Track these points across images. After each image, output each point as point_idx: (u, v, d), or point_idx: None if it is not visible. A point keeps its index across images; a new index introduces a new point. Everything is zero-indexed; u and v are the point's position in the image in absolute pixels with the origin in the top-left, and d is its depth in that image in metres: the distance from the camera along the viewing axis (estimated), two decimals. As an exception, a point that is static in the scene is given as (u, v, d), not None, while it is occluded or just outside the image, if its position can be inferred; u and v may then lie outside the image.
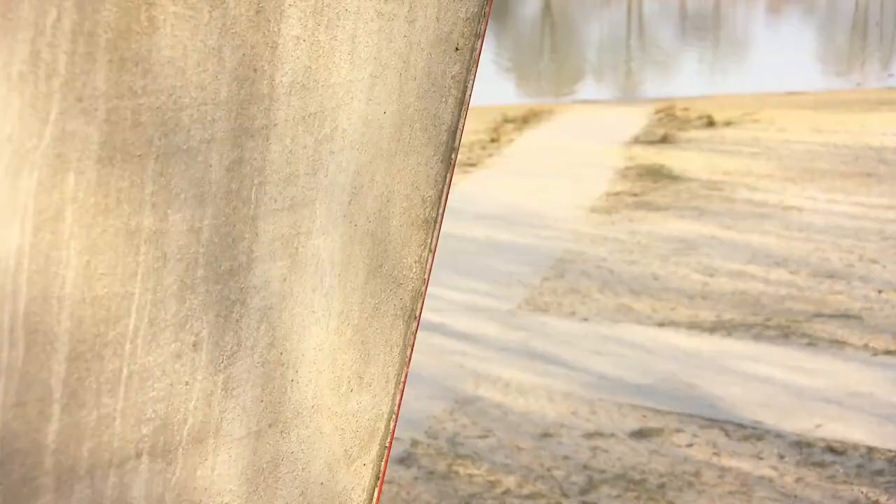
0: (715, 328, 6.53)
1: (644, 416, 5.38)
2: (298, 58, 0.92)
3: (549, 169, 11.87)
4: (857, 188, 10.12)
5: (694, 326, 6.59)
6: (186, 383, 0.94)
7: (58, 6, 0.80)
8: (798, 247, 8.21)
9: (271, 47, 0.89)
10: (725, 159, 12.03)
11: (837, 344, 6.21)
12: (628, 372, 5.88)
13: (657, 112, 15.83)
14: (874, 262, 7.76)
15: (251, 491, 1.03)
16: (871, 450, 4.99)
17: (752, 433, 5.23)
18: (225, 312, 0.95)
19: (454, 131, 1.06)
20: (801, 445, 5.07)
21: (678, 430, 5.23)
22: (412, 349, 1.10)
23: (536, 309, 7.05)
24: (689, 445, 5.09)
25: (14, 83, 0.79)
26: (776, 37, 33.70)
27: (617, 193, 10.47)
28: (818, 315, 6.70)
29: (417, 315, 1.10)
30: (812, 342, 6.20)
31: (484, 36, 1.06)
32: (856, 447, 5.02)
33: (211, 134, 0.90)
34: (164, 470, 0.94)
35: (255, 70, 0.89)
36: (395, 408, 1.13)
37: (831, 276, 7.44)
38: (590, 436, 5.20)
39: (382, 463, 1.20)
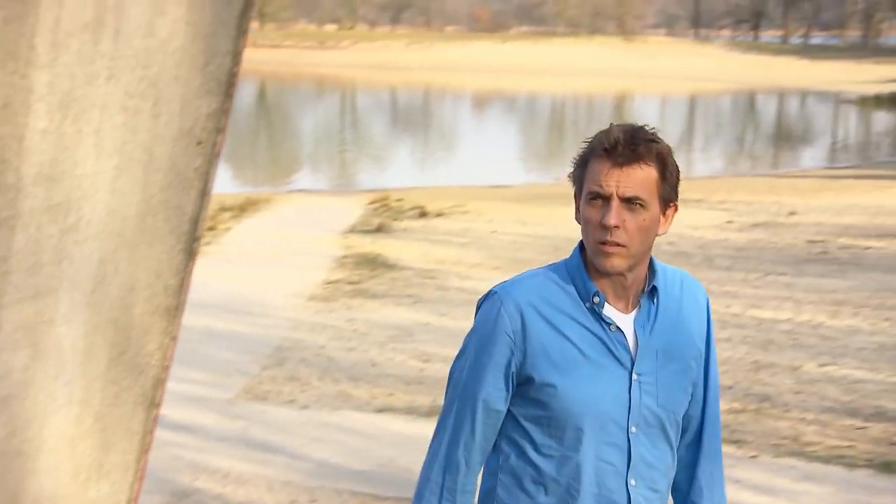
0: (431, 412, 6.69)
1: (364, 503, 5.43)
2: (45, 150, 0.93)
3: (267, 258, 11.86)
4: (559, 277, 10.70)
5: (411, 411, 6.73)
6: (-80, 476, 0.91)
7: None
8: (507, 332, 8.57)
9: (18, 139, 0.90)
10: (438, 248, 12.43)
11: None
12: (348, 458, 5.92)
13: (372, 202, 16.18)
14: (576, 346, 8.21)
15: (-16, 586, 1.00)
16: None
17: None
18: (-39, 403, 0.93)
19: (196, 221, 1.09)
20: None
21: None
22: (152, 436, 1.11)
23: (256, 398, 6.99)
24: (408, 528, 5.17)
25: None
26: (482, 132, 35.29)
27: (335, 282, 10.59)
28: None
29: (158, 402, 1.11)
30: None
31: (225, 130, 1.11)
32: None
33: (-50, 222, 0.89)
34: None
35: (1, 161, 0.90)
36: (135, 496, 1.13)
37: (538, 360, 7.81)
38: None
39: (117, 553, 1.19)
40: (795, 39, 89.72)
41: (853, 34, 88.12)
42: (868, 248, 12.46)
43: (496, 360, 2.20)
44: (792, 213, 14.82)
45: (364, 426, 6.42)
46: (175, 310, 1.09)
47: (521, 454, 2.23)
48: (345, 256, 11.91)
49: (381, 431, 6.33)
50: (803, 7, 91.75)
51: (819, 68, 58.01)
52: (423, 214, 14.94)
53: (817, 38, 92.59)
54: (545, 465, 2.21)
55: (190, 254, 1.09)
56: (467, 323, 9.10)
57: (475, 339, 2.24)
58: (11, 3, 0.93)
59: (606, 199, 2.13)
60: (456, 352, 8.06)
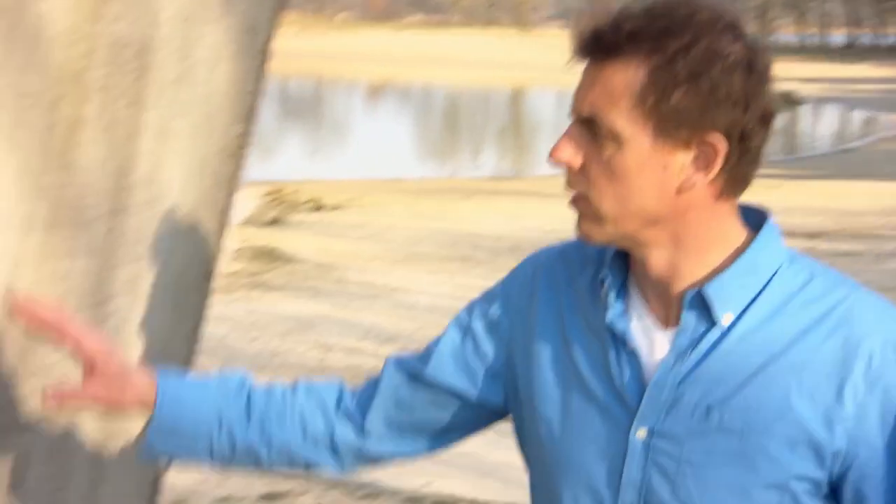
0: (334, 399, 7.18)
1: (271, 481, 5.91)
2: (143, 164, 1.45)
3: (161, 249, 12.13)
4: (457, 270, 11.25)
5: (315, 398, 7.21)
6: None
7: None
8: (406, 325, 9.08)
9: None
10: (335, 242, 12.87)
11: (443, 411, 7.06)
12: (255, 441, 6.38)
13: (267, 195, 16.49)
14: (472, 337, 8.76)
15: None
16: (473, 501, 5.81)
17: (371, 492, 5.89)
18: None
19: (225, 212, 1.62)
20: (414, 501, 5.80)
21: (304, 493, 5.80)
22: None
23: (160, 385, 7.38)
24: (315, 506, 5.67)
25: None
26: (376, 124, 35.63)
27: (233, 274, 10.97)
28: (426, 385, 7.54)
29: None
30: (421, 409, 7.01)
31: (248, 146, 1.63)
32: (461, 499, 5.82)
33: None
34: None
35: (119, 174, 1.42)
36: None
37: (436, 350, 8.34)
38: (221, 500, 5.64)
39: None
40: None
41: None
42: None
43: (465, 320, 1.58)
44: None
45: (270, 411, 6.87)
46: (212, 273, 1.62)
47: None
48: (241, 249, 12.27)
49: (286, 417, 6.79)
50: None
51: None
52: (318, 207, 15.33)
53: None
54: None
55: (221, 233, 1.61)
56: (367, 315, 9.66)
57: None
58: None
59: None
60: (356, 343, 8.64)
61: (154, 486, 1.69)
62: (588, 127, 1.36)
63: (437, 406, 1.55)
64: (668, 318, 1.39)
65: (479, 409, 1.54)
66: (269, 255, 11.94)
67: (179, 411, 1.48)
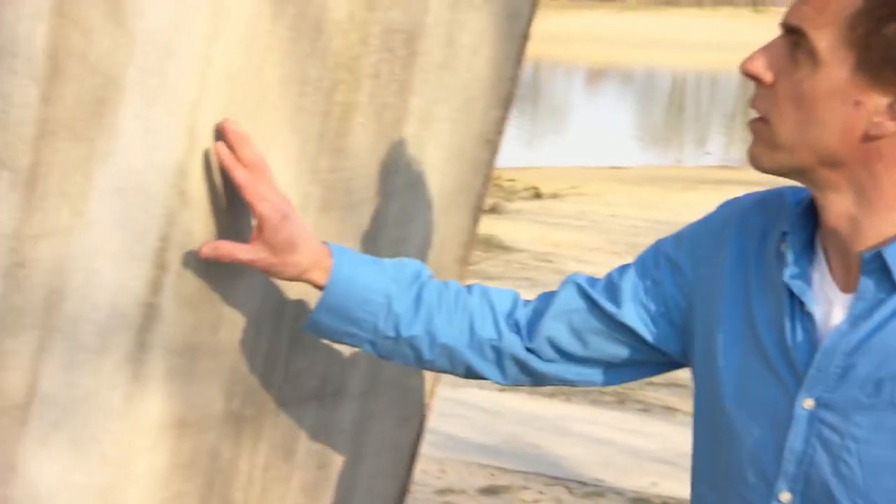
0: (555, 393, 7.25)
1: (492, 475, 6.01)
2: (405, 152, 1.54)
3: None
4: (682, 264, 11.14)
5: (534, 392, 7.30)
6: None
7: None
8: (628, 318, 9.06)
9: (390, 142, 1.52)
10: (554, 231, 12.95)
11: (669, 410, 7.02)
12: (475, 433, 6.52)
13: (484, 182, 16.73)
14: (699, 334, 8.68)
15: None
16: (701, 505, 5.75)
17: (594, 490, 5.92)
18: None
19: (481, 196, 1.68)
20: (639, 502, 5.80)
21: (524, 488, 5.88)
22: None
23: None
24: (536, 502, 5.74)
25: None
26: (596, 109, 35.54)
27: (451, 262, 11.19)
28: (650, 383, 7.51)
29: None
30: (645, 408, 6.99)
31: (504, 132, 1.69)
32: (688, 502, 5.78)
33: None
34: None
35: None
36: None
37: (660, 346, 8.30)
38: (441, 492, 5.79)
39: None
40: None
41: None
42: None
43: (650, 261, 1.56)
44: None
45: (488, 404, 7.00)
46: (466, 258, 1.69)
47: None
48: (459, 237, 12.51)
49: (505, 409, 6.91)
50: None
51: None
52: (537, 195, 15.46)
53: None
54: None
55: (476, 219, 1.69)
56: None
57: None
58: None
59: None
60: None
61: (408, 468, 1.77)
62: (791, 41, 1.28)
63: (610, 340, 1.52)
64: (849, 281, 1.31)
65: (653, 352, 1.52)
66: (487, 244, 12.11)
67: (350, 290, 1.47)
